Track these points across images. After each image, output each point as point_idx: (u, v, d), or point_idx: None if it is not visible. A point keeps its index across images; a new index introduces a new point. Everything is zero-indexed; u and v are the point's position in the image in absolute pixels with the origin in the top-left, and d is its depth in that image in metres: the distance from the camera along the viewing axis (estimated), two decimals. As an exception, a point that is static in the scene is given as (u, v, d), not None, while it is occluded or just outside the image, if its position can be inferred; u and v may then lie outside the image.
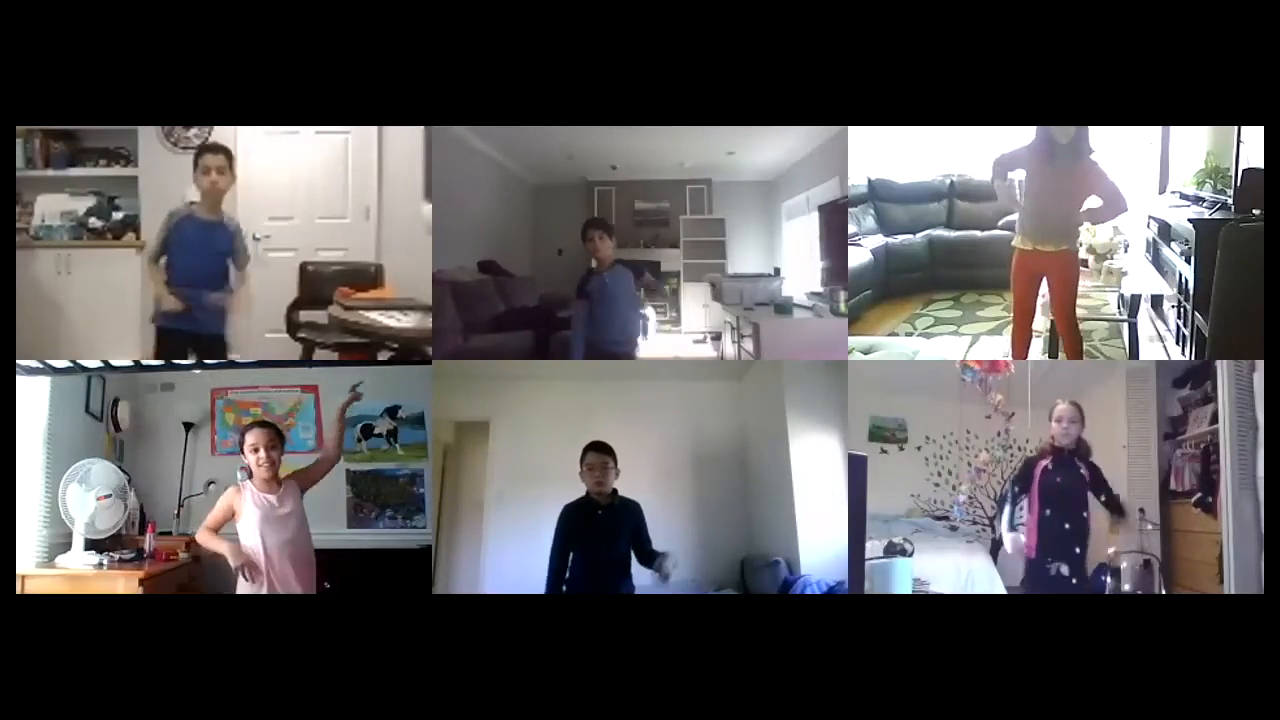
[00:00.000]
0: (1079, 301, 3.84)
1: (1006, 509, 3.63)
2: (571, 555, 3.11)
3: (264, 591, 3.06)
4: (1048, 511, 3.38)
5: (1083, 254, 4.38)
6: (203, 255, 3.77)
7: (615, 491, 3.17)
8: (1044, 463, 3.42)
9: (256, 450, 3.14)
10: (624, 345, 4.10)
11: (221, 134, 5.19)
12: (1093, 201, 3.61)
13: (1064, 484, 3.37)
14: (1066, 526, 3.34)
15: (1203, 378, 3.57)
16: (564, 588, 3.10)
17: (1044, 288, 3.74)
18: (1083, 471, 3.37)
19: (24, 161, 5.26)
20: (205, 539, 3.15)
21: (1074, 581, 3.28)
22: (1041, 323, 4.00)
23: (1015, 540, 3.49)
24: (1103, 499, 3.41)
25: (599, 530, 3.10)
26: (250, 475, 3.18)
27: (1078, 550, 3.32)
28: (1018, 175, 3.69)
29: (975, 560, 3.97)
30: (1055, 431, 3.39)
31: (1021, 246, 3.66)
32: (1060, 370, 3.97)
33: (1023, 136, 3.62)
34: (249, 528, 3.11)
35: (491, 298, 5.99)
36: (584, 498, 3.17)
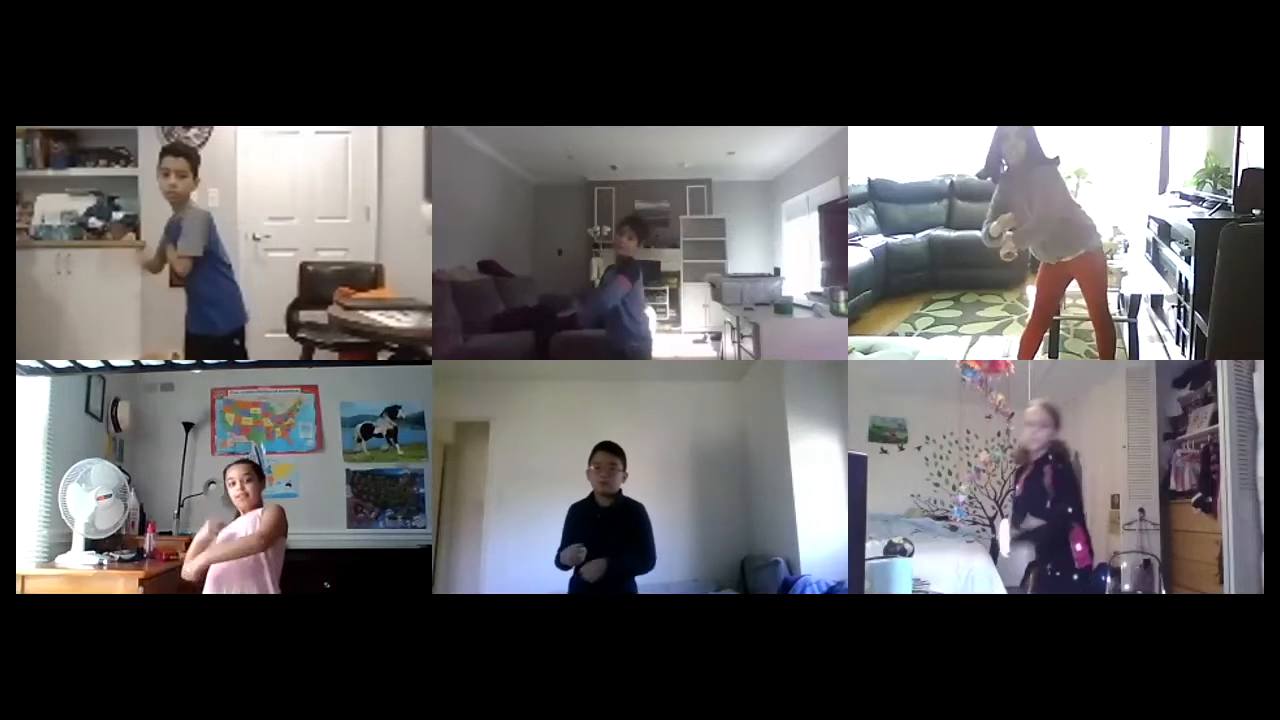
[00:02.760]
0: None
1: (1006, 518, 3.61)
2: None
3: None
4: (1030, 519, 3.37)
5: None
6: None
7: (620, 493, 3.16)
8: (1024, 474, 3.39)
9: (234, 484, 3.20)
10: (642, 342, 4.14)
11: (222, 134, 5.20)
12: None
13: (1034, 489, 3.36)
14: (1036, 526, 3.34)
15: (1203, 378, 3.57)
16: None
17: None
18: (1045, 476, 3.33)
19: (24, 161, 5.26)
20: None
21: (1074, 579, 3.26)
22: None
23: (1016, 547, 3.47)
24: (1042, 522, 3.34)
25: (595, 535, 3.08)
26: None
27: (1057, 556, 3.31)
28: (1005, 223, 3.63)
29: (975, 560, 3.96)
30: (1025, 436, 3.36)
31: (1048, 261, 3.67)
32: (1060, 370, 3.97)
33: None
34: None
35: (491, 298, 5.99)
36: (589, 498, 3.17)
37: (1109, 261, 4.56)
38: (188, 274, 3.69)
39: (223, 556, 3.07)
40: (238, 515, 3.22)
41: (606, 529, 3.11)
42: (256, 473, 3.27)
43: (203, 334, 3.77)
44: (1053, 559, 3.30)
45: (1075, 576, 3.26)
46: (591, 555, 3.08)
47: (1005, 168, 3.58)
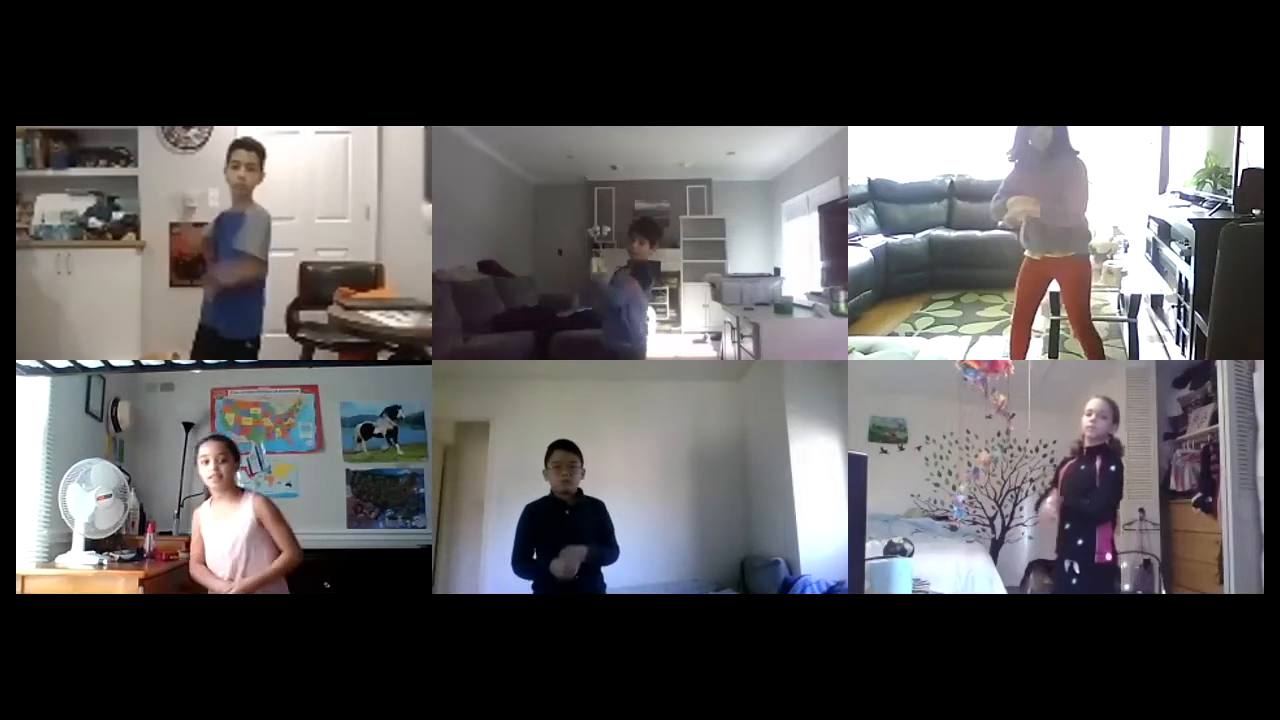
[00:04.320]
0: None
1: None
2: (536, 554, 3.06)
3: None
4: (1067, 515, 3.31)
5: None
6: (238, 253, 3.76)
7: (580, 491, 3.13)
8: (1070, 462, 3.33)
9: (208, 462, 3.11)
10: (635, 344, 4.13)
11: (221, 134, 5.19)
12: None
13: (1083, 480, 3.29)
14: (1068, 525, 3.32)
15: (1203, 378, 3.57)
16: (527, 569, 3.05)
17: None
18: (1097, 466, 3.28)
19: (24, 161, 5.26)
20: (198, 574, 3.16)
21: (1090, 571, 3.21)
22: (1041, 322, 4.00)
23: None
24: (1086, 502, 3.27)
25: (565, 531, 3.05)
26: (206, 495, 3.19)
27: (1081, 543, 3.28)
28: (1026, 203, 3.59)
29: (975, 560, 3.97)
30: (1084, 425, 3.30)
31: (1031, 256, 3.67)
32: (1060, 370, 3.97)
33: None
34: (209, 548, 3.13)
35: (491, 298, 5.99)
36: (548, 497, 3.13)
37: (1108, 262, 4.56)
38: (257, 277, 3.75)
39: (249, 590, 3.06)
40: (207, 495, 3.18)
41: (576, 526, 3.07)
42: (231, 451, 3.17)
43: (214, 330, 3.79)
44: (1074, 547, 3.23)
45: (1095, 567, 3.19)
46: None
47: (1023, 151, 3.56)
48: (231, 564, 3.09)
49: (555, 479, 3.11)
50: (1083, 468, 3.27)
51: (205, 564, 3.16)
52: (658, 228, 4.44)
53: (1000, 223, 3.69)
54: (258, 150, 3.77)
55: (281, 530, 3.13)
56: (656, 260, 8.38)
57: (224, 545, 3.10)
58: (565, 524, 3.07)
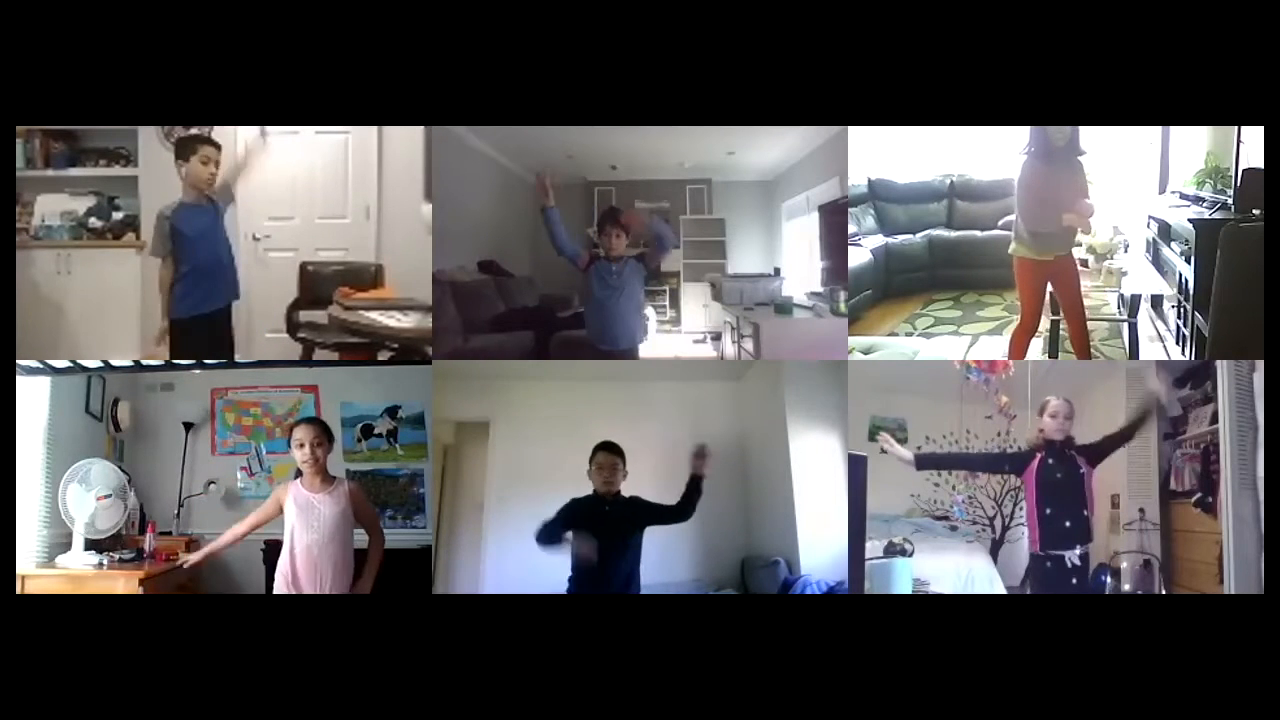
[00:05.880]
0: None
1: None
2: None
3: (285, 590, 3.06)
4: (1049, 510, 3.33)
5: (1082, 254, 4.39)
6: (213, 239, 3.75)
7: (619, 492, 3.19)
8: (1037, 459, 3.34)
9: (303, 446, 3.12)
10: (625, 342, 4.06)
11: (222, 134, 5.18)
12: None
13: (1063, 479, 3.30)
14: (1068, 524, 3.31)
15: (1203, 378, 3.57)
16: (553, 541, 3.10)
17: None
18: (1077, 460, 3.28)
19: (24, 161, 5.25)
20: (232, 537, 3.19)
21: (1079, 564, 3.21)
22: (1041, 323, 3.99)
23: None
24: (1103, 448, 3.26)
25: (607, 525, 3.11)
26: (298, 475, 3.17)
27: (1078, 542, 3.28)
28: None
29: (975, 560, 3.97)
30: (1049, 427, 3.31)
31: (1021, 255, 3.64)
32: (1060, 370, 3.97)
33: (1019, 136, 3.60)
34: (288, 520, 3.10)
35: (491, 298, 5.99)
36: (591, 495, 3.19)
37: (1108, 262, 4.56)
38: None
39: (369, 584, 3.11)
40: (297, 474, 3.15)
41: (618, 523, 3.13)
42: (326, 435, 3.16)
43: (189, 317, 3.71)
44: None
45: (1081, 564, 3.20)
46: (603, 546, 3.09)
47: (1044, 146, 3.54)
48: (318, 544, 3.05)
49: (598, 479, 3.18)
50: (1057, 475, 3.26)
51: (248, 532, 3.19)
52: (629, 218, 4.24)
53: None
54: (218, 146, 3.77)
55: (372, 514, 3.24)
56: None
57: (317, 525, 3.07)
58: (604, 519, 3.13)
